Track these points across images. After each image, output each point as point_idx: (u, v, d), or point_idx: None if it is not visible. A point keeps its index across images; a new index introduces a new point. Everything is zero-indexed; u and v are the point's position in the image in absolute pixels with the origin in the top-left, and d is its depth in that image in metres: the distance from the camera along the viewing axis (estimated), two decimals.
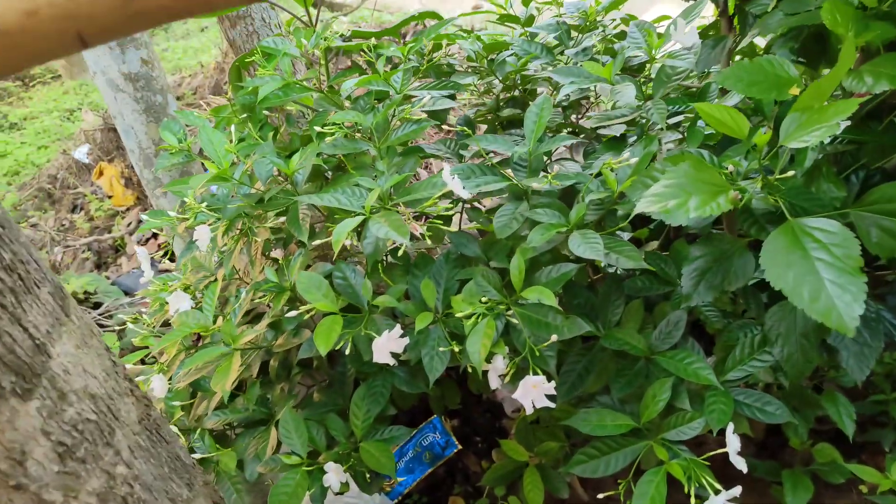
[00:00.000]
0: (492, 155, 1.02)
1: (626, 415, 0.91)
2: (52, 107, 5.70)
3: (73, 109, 5.50)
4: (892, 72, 0.68)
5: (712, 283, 0.81)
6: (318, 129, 1.02)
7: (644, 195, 0.67)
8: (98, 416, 0.48)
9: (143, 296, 1.58)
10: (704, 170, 0.68)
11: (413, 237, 1.32)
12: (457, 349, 0.87)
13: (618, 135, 1.08)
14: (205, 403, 1.10)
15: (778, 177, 0.75)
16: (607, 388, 0.97)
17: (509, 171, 0.98)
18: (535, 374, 0.82)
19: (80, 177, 4.08)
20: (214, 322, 1.06)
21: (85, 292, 2.21)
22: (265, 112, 1.33)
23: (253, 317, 1.23)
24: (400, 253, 0.92)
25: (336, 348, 0.89)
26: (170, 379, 1.08)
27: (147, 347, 1.23)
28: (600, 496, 0.91)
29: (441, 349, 0.87)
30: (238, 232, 1.16)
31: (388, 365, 0.91)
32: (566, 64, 1.17)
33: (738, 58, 1.11)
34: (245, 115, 1.29)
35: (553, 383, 0.81)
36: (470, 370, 0.85)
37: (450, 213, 1.11)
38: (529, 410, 0.82)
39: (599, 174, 0.94)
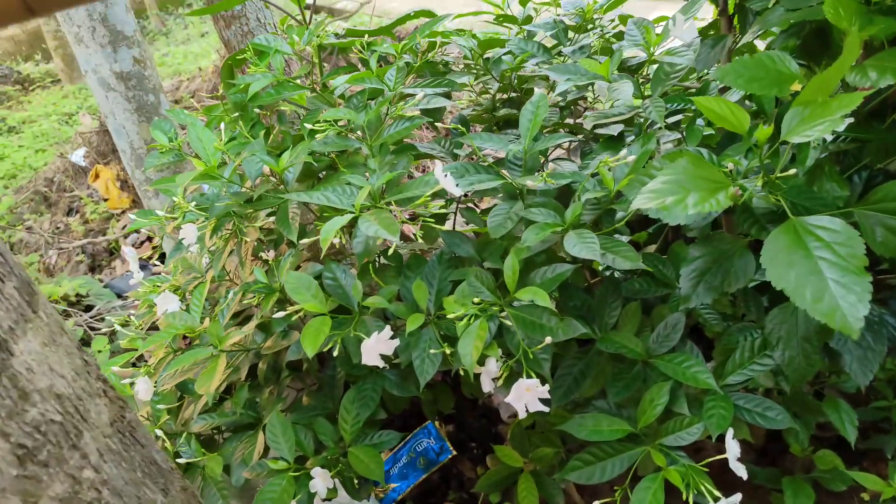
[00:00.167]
0: (486, 155, 1.00)
1: (623, 420, 0.89)
2: (51, 110, 5.70)
3: (72, 113, 5.50)
4: None
5: (712, 284, 0.79)
6: (308, 126, 0.99)
7: (641, 192, 0.65)
8: (64, 418, 0.46)
9: (134, 298, 1.56)
10: (703, 166, 0.66)
11: (406, 238, 1.30)
12: (448, 351, 0.84)
13: (615, 134, 1.06)
14: (192, 407, 1.07)
15: (779, 175, 0.73)
16: (604, 392, 0.94)
17: (505, 172, 0.96)
18: (529, 377, 0.79)
19: (77, 180, 4.06)
20: (202, 323, 1.04)
21: (77, 295, 2.19)
22: (258, 111, 1.31)
23: (242, 319, 1.20)
24: (391, 252, 0.90)
25: (325, 350, 0.86)
26: (156, 382, 1.05)
27: (136, 350, 1.20)
28: (596, 503, 0.89)
29: (432, 351, 0.85)
30: (228, 232, 1.14)
31: (378, 368, 0.88)
32: (563, 62, 1.15)
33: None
34: (237, 113, 1.27)
35: (547, 387, 0.78)
36: (462, 373, 0.83)
37: (443, 212, 1.09)
38: (522, 414, 0.79)
39: (596, 174, 0.92)
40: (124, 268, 2.77)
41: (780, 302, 0.89)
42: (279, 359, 1.07)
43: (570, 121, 1.34)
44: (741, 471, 0.80)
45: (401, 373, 0.95)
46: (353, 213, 0.83)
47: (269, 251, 1.26)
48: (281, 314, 0.90)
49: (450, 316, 0.84)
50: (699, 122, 0.95)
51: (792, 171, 0.73)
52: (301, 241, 0.86)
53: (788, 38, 0.95)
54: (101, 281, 2.47)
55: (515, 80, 1.28)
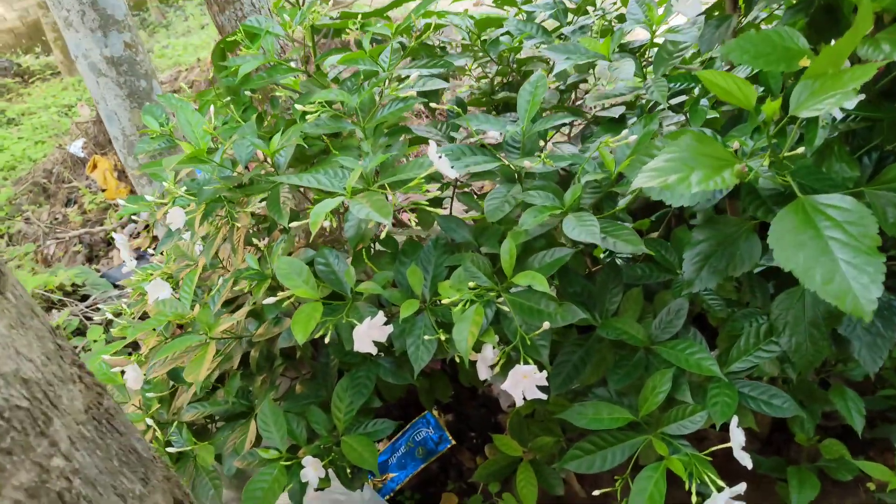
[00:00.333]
0: (484, 139, 0.97)
1: (624, 408, 0.86)
2: (51, 102, 5.69)
3: (71, 105, 5.48)
4: None
5: (716, 268, 0.76)
6: (300, 107, 0.96)
7: (643, 170, 0.62)
8: (31, 403, 0.43)
9: (128, 287, 1.53)
10: (708, 143, 0.63)
11: (402, 224, 1.27)
12: (444, 338, 0.82)
13: (616, 117, 1.03)
14: (184, 395, 1.05)
15: (787, 154, 0.70)
16: (604, 380, 0.92)
17: (502, 156, 0.93)
18: (526, 363, 0.77)
19: (75, 171, 4.04)
20: (192, 310, 1.01)
21: (73, 284, 2.17)
22: (249, 95, 1.28)
23: (235, 307, 1.18)
24: (383, 235, 0.87)
25: (318, 337, 0.84)
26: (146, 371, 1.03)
27: (126, 339, 1.18)
28: (596, 493, 0.87)
29: (427, 338, 0.82)
30: (219, 218, 1.11)
31: (372, 355, 0.86)
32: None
33: None
34: (229, 98, 1.25)
35: (545, 373, 0.76)
36: (458, 361, 0.80)
37: (440, 196, 1.06)
38: (519, 402, 0.77)
39: (597, 156, 0.89)
40: (122, 258, 2.74)
41: (786, 287, 0.86)
42: (272, 347, 1.05)
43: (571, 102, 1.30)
44: (746, 460, 0.77)
45: (395, 360, 0.93)
46: (345, 195, 0.80)
47: (263, 239, 1.23)
48: (271, 300, 0.87)
49: (445, 301, 0.81)
50: (703, 102, 0.91)
51: (800, 150, 0.70)
52: (292, 225, 0.83)
53: (796, 15, 0.91)
54: (97, 271, 2.45)
55: (514, 64, 1.25)
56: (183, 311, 1.03)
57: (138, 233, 2.85)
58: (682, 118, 0.99)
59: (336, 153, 0.95)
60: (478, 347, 0.82)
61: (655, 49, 1.06)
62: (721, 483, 0.76)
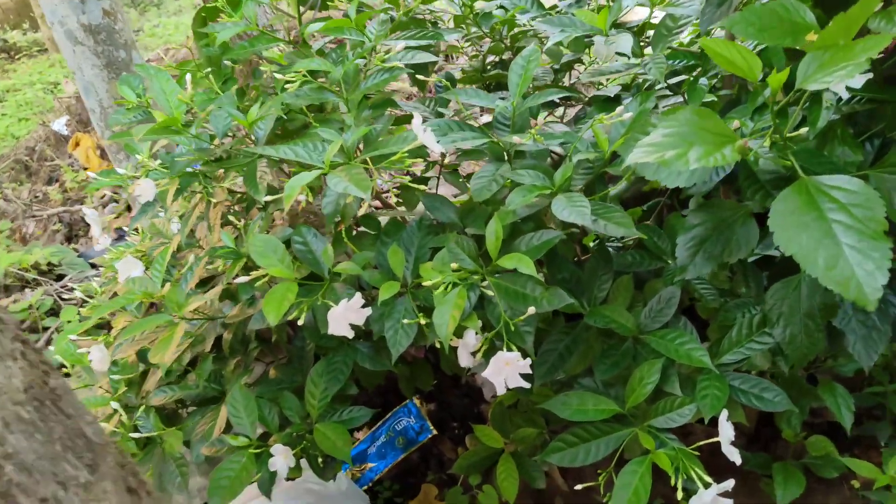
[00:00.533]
0: (473, 112, 0.92)
1: (611, 399, 0.83)
2: (36, 79, 5.57)
3: (57, 82, 5.36)
4: None
5: (711, 254, 0.72)
6: (280, 76, 0.92)
7: (638, 145, 0.58)
8: None
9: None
10: (708, 117, 0.59)
11: (388, 206, 1.23)
12: (424, 322, 0.78)
13: (612, 96, 0.99)
14: (153, 378, 1.00)
15: (789, 135, 0.67)
16: (590, 370, 0.88)
17: (492, 134, 0.88)
18: (510, 350, 0.73)
19: (59, 148, 3.95)
20: (163, 288, 0.96)
21: (49, 264, 2.10)
22: (233, 66, 1.22)
23: (210, 287, 1.13)
24: (361, 212, 0.83)
25: (290, 318, 0.80)
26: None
27: (96, 318, 1.13)
28: (578, 487, 0.83)
29: (406, 322, 0.78)
30: (195, 194, 1.06)
31: (349, 339, 0.82)
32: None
33: None
34: (210, 69, 1.19)
35: (528, 361, 0.72)
36: (439, 346, 0.76)
37: (426, 176, 1.02)
38: (501, 390, 0.73)
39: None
40: (93, 234, 2.67)
41: (780, 277, 0.83)
42: (247, 329, 1.00)
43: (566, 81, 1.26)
44: (734, 455, 0.74)
45: (374, 345, 0.89)
46: (323, 169, 0.76)
47: (242, 217, 1.19)
48: (244, 279, 0.83)
49: (425, 284, 0.77)
50: (702, 81, 0.88)
51: (803, 130, 0.67)
52: (266, 199, 0.79)
53: None
54: (76, 250, 2.38)
55: (508, 40, 1.20)
56: (153, 289, 0.98)
57: (120, 213, 2.78)
58: (680, 99, 0.95)
59: (316, 125, 0.90)
60: (459, 333, 0.78)
61: (652, 31, 1.02)
62: (708, 479, 0.73)
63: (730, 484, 0.72)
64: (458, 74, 1.30)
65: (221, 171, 1.04)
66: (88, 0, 1.45)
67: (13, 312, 1.89)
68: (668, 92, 0.96)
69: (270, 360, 1.09)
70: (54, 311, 1.95)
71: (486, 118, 1.02)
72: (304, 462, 0.90)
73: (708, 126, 0.58)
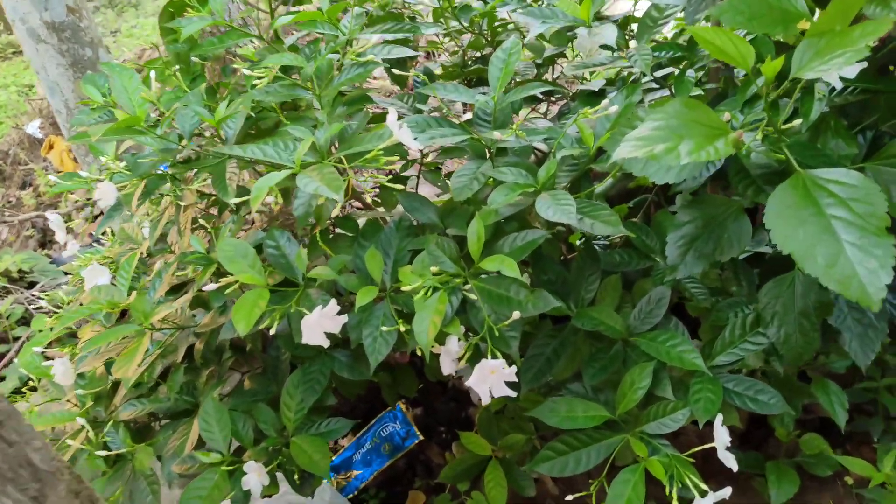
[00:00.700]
0: (455, 109, 0.89)
1: (600, 405, 0.80)
2: (10, 82, 5.44)
3: (32, 85, 5.24)
4: None
5: (702, 252, 0.69)
6: (248, 72, 0.87)
7: (626, 138, 0.54)
8: None
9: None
10: (699, 109, 0.56)
11: (367, 206, 1.18)
12: (403, 329, 0.74)
13: (596, 90, 0.95)
14: (120, 392, 0.95)
15: (782, 127, 0.64)
16: (579, 374, 0.85)
17: (473, 130, 0.85)
18: (494, 357, 0.69)
19: (33, 152, 3.85)
20: (129, 296, 0.91)
21: (20, 270, 2.03)
22: (202, 64, 1.17)
23: (182, 294, 1.08)
24: (334, 214, 0.79)
25: (262, 327, 0.75)
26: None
27: (59, 329, 1.08)
28: (569, 498, 0.80)
29: (385, 329, 0.74)
30: (164, 197, 1.01)
31: (325, 348, 0.77)
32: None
33: None
34: (177, 66, 1.14)
35: (514, 368, 0.68)
36: (419, 353, 0.73)
37: (404, 176, 0.98)
38: (486, 399, 0.69)
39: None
40: (76, 243, 2.60)
41: (773, 275, 0.80)
42: (219, 338, 0.95)
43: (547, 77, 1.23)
44: (730, 461, 0.72)
45: (352, 353, 0.84)
46: (293, 168, 0.71)
47: (215, 220, 1.14)
48: (212, 286, 0.78)
49: (405, 288, 0.73)
50: (690, 73, 0.85)
51: (797, 122, 0.64)
52: (233, 201, 0.74)
53: None
54: (48, 256, 2.31)
55: (488, 34, 1.16)
56: (119, 297, 0.93)
57: (95, 217, 2.71)
58: (667, 93, 0.92)
59: (287, 123, 0.86)
60: (441, 340, 0.75)
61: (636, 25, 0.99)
62: (704, 487, 0.70)
63: (727, 492, 0.69)
64: (438, 71, 1.26)
65: (191, 172, 1.00)
66: None
67: None
68: (654, 85, 0.93)
69: (246, 369, 1.04)
70: (25, 320, 1.88)
71: (470, 115, 0.98)
72: (281, 476, 0.86)
73: (699, 118, 0.55)
